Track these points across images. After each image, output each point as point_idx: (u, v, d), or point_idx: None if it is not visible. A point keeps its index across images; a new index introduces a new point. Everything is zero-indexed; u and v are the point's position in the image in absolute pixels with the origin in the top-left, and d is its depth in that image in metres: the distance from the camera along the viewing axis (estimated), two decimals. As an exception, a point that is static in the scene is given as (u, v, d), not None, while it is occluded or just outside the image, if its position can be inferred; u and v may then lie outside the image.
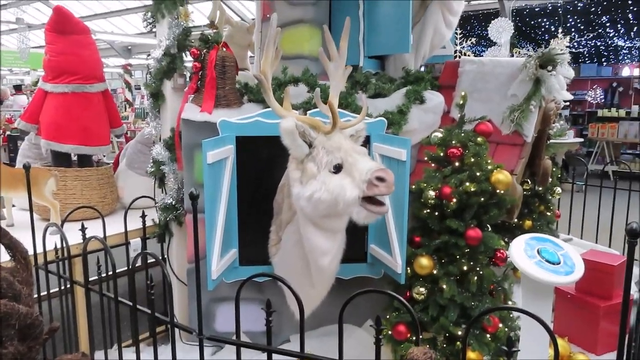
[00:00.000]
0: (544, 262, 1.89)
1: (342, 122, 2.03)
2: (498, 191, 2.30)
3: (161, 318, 1.81)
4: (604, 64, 12.84)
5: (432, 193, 2.33)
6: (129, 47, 16.38)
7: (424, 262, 2.30)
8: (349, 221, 2.49)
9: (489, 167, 2.33)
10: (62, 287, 2.36)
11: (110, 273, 2.21)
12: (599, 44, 10.57)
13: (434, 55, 3.49)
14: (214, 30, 2.96)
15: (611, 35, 9.00)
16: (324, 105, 2.05)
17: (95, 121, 3.16)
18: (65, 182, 3.03)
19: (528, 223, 3.68)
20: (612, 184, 4.46)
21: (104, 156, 3.82)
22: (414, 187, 2.41)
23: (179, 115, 2.62)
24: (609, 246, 4.21)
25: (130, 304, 1.87)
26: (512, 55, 9.10)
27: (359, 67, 3.02)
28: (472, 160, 2.34)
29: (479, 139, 2.38)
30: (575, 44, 10.39)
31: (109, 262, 1.97)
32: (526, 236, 2.00)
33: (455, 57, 9.00)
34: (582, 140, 9.57)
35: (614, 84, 12.66)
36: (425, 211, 2.39)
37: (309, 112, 2.51)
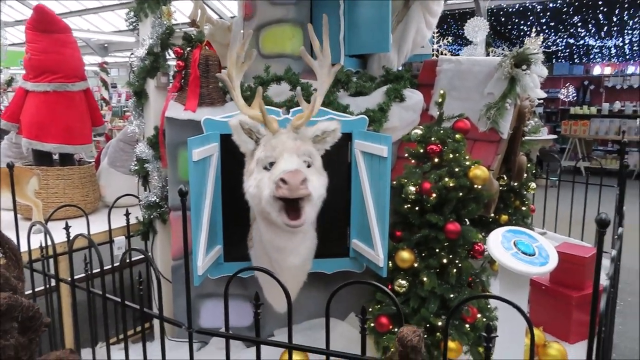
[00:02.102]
0: (520, 253, 1.99)
1: (295, 121, 2.05)
2: (476, 186, 2.39)
3: (150, 313, 1.85)
4: (576, 62, 13.19)
5: (412, 188, 2.40)
6: (105, 45, 16.11)
7: (405, 256, 2.38)
8: (331, 216, 2.58)
9: (467, 163, 2.41)
10: (48, 285, 2.36)
11: (96, 270, 2.22)
12: (571, 42, 10.84)
13: (413, 54, 3.58)
14: (196, 29, 2.99)
15: (582, 34, 9.26)
16: (306, 103, 2.11)
17: (77, 120, 3.15)
18: (47, 181, 3.02)
19: (504, 217, 3.79)
20: (584, 180, 4.63)
21: (84, 155, 3.80)
22: (394, 182, 2.49)
23: (162, 114, 2.64)
24: (582, 239, 4.38)
25: (119, 300, 1.90)
26: (488, 54, 9.30)
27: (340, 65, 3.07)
28: (451, 156, 2.42)
29: (457, 136, 2.46)
30: (548, 43, 10.65)
31: (95, 260, 1.99)
32: (503, 229, 2.09)
33: (433, 55, 9.17)
34: (555, 137, 9.83)
35: (586, 82, 13.02)
36: (406, 206, 2.46)
37: (292, 110, 2.56)
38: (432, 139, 2.44)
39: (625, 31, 8.63)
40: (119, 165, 3.39)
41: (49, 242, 2.17)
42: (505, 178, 3.75)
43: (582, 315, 2.78)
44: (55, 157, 3.27)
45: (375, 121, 2.62)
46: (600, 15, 7.97)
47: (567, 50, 11.90)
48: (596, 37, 9.39)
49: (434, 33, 9.26)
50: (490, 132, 2.83)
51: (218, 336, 1.96)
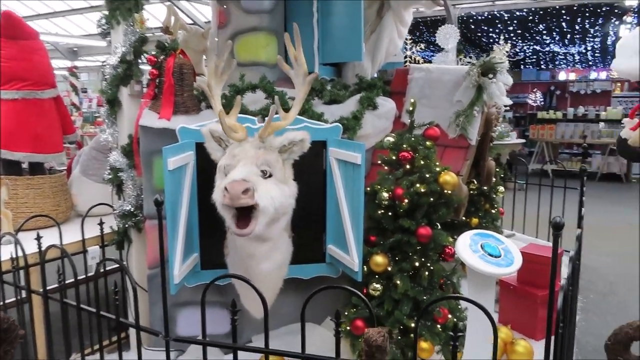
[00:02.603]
0: (486, 255, 2.07)
1: (261, 130, 2.08)
2: (446, 191, 2.47)
3: (126, 322, 1.85)
4: (543, 68, 13.64)
5: (385, 194, 2.47)
6: (75, 49, 15.82)
7: (379, 260, 2.44)
8: (307, 223, 2.62)
9: (437, 169, 2.49)
10: (19, 297, 2.32)
11: (70, 281, 2.20)
12: (537, 49, 11.21)
13: (386, 63, 3.66)
14: (170, 36, 2.99)
15: (548, 42, 9.59)
16: (284, 112, 2.15)
17: (47, 128, 3.11)
18: (16, 191, 2.97)
19: (475, 220, 3.91)
20: (550, 182, 4.80)
21: (55, 164, 3.74)
22: (368, 189, 2.55)
23: (136, 122, 2.63)
24: (548, 240, 4.53)
25: (94, 310, 1.89)
26: (459, 61, 9.53)
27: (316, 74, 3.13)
28: (422, 163, 2.50)
29: (428, 143, 2.54)
30: (516, 50, 10.99)
31: (68, 270, 1.98)
32: (471, 232, 2.17)
33: (406, 62, 9.33)
34: (524, 141, 10.13)
35: (552, 88, 13.47)
36: (379, 212, 2.52)
37: (266, 118, 2.59)
38: (404, 146, 2.51)
39: (587, 39, 8.99)
40: (92, 174, 3.35)
41: (20, 253, 2.14)
42: (475, 182, 3.87)
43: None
44: (25, 166, 3.21)
45: (350, 129, 2.68)
46: (563, 24, 8.28)
47: (534, 57, 12.31)
48: (560, 45, 9.75)
49: (407, 40, 9.44)
50: (459, 139, 2.93)
51: (195, 343, 1.97)
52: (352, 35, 3.00)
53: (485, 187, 3.94)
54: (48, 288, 2.11)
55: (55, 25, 14.32)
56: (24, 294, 2.31)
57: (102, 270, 2.95)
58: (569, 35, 8.99)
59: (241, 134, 2.06)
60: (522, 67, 13.73)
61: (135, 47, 2.69)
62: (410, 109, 2.54)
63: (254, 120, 2.51)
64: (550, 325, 1.36)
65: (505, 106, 3.56)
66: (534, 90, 13.42)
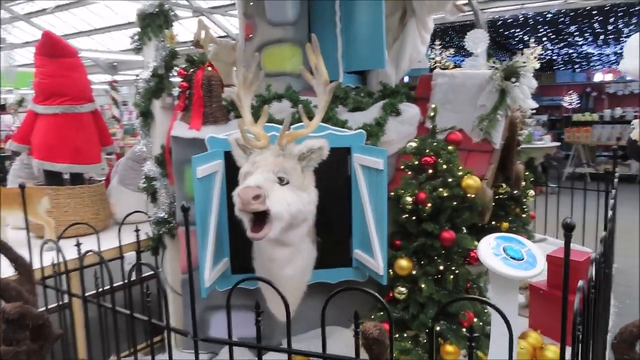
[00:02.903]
0: (508, 258, 2.06)
1: (280, 138, 2.15)
2: (469, 195, 2.48)
3: (158, 323, 1.94)
4: (578, 70, 13.29)
5: (409, 199, 2.49)
6: (114, 64, 16.43)
7: (404, 264, 2.46)
8: (333, 228, 2.67)
9: (460, 173, 2.50)
10: (60, 302, 2.46)
11: (108, 287, 2.32)
12: (570, 51, 10.95)
13: (412, 69, 3.69)
14: (200, 50, 3.12)
15: (580, 43, 9.37)
16: (307, 120, 2.22)
17: (86, 140, 3.28)
18: (58, 200, 3.14)
19: (505, 225, 3.86)
20: (584, 186, 4.69)
21: (95, 174, 3.93)
22: (392, 193, 2.58)
23: (168, 133, 2.76)
24: (582, 244, 4.43)
25: (128, 312, 1.99)
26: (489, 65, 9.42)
27: (339, 82, 3.19)
28: (445, 167, 2.51)
29: (450, 148, 2.56)
30: (549, 51, 10.77)
31: (105, 275, 2.09)
32: (493, 235, 2.17)
33: (435, 67, 9.32)
34: (558, 144, 9.89)
35: (588, 89, 13.09)
36: (403, 216, 2.55)
37: (292, 126, 2.67)
38: (426, 151, 2.54)
39: (622, 39, 8.73)
40: (129, 183, 3.51)
41: (61, 259, 2.27)
42: (504, 186, 3.84)
43: (578, 317, 2.83)
44: (66, 176, 3.40)
45: (373, 135, 2.72)
46: (595, 25, 8.09)
47: (568, 58, 12.02)
48: (594, 46, 9.50)
49: (436, 45, 9.40)
50: (483, 143, 2.92)
51: (221, 343, 2.05)
52: (374, 43, 3.06)
53: (515, 191, 3.90)
54: (88, 293, 2.24)
55: (95, 42, 14.96)
56: (65, 298, 2.45)
57: (137, 275, 3.07)
58: (602, 36, 8.76)
59: (263, 141, 2.14)
60: (555, 69, 13.42)
61: (166, 61, 2.82)
62: (432, 114, 2.56)
63: (279, 128, 2.59)
64: (565, 328, 1.36)
65: (532, 109, 3.53)
66: (570, 92, 13.08)
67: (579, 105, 12.84)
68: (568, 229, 1.34)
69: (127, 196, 3.45)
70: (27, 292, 1.30)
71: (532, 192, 4.04)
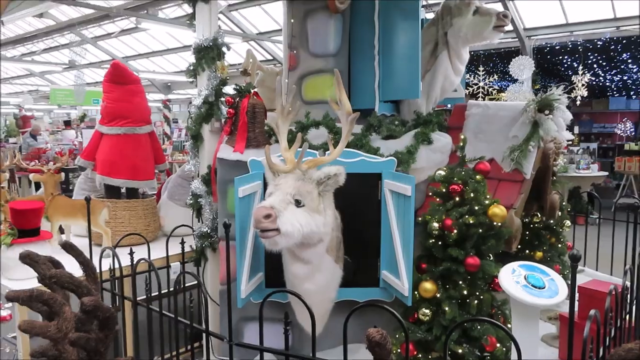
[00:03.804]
0: (529, 286, 2.15)
1: (302, 164, 2.35)
2: (495, 224, 2.57)
3: (198, 327, 2.15)
4: (633, 97, 12.85)
5: (436, 224, 2.61)
6: (169, 84, 17.36)
7: (428, 286, 2.57)
8: (363, 249, 2.83)
9: (487, 201, 2.60)
10: (114, 304, 2.73)
11: (155, 294, 2.57)
12: (625, 78, 10.66)
13: (446, 98, 3.82)
14: (247, 77, 3.39)
15: (635, 70, 9.12)
16: (333, 147, 2.41)
17: (142, 159, 3.61)
18: (115, 212, 3.46)
19: (539, 254, 3.87)
20: (626, 218, 4.58)
21: (147, 189, 4.26)
22: (420, 219, 2.71)
23: (215, 155, 3.02)
24: (611, 274, 4.33)
25: (172, 316, 2.22)
26: (535, 91, 9.32)
27: (374, 110, 3.37)
28: (472, 195, 2.62)
29: (478, 177, 2.67)
30: (601, 78, 10.53)
31: (154, 282, 2.33)
32: (515, 263, 2.27)
33: (479, 92, 9.26)
34: (606, 173, 9.58)
35: (644, 117, 12.62)
36: (430, 240, 2.67)
37: (327, 152, 2.86)
38: (454, 179, 2.66)
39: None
40: (177, 199, 3.80)
41: (117, 265, 2.54)
42: (540, 215, 3.86)
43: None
44: (123, 190, 3.73)
45: (404, 162, 2.87)
46: (649, 52, 7.91)
47: (622, 85, 11.68)
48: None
49: (480, 71, 9.40)
50: (514, 173, 3.01)
51: (252, 348, 2.22)
52: (410, 74, 3.22)
53: (551, 221, 3.91)
54: (138, 298, 2.49)
55: (152, 63, 15.90)
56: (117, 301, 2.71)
57: (182, 284, 3.32)
58: (657, 64, 8.53)
59: (289, 166, 2.34)
60: (609, 95, 13.03)
61: (216, 90, 3.10)
62: (461, 144, 2.69)
63: (315, 154, 2.79)
64: (571, 353, 1.45)
65: (568, 140, 3.57)
66: (624, 119, 12.66)
67: (633, 133, 12.39)
68: (574, 260, 1.44)
69: (175, 210, 3.73)
70: (94, 290, 1.54)
71: (568, 223, 4.03)
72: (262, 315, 1.95)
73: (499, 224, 2.59)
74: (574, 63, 9.03)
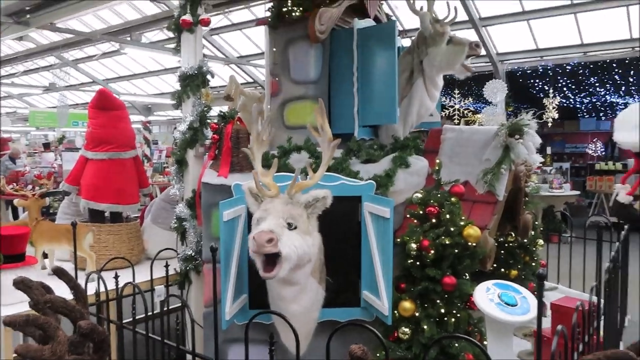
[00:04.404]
0: (503, 304, 2.26)
1: (289, 188, 2.44)
2: (470, 244, 2.69)
3: (183, 349, 2.20)
4: (603, 118, 13.35)
5: (413, 245, 2.72)
6: (149, 106, 17.36)
7: (407, 306, 2.67)
8: (344, 270, 2.91)
9: (462, 223, 2.73)
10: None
11: (140, 316, 2.61)
12: (594, 100, 11.10)
13: (423, 122, 3.98)
14: (231, 102, 3.49)
15: (602, 93, 9.53)
16: (312, 172, 2.51)
17: (127, 183, 3.66)
18: (100, 236, 3.49)
19: (514, 272, 4.01)
20: (597, 236, 4.77)
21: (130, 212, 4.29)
22: (399, 240, 2.82)
23: (199, 179, 3.09)
24: (583, 291, 4.51)
25: (159, 338, 2.26)
26: (508, 114, 9.64)
27: (354, 135, 3.49)
28: (447, 217, 2.74)
29: (453, 199, 2.80)
30: (571, 100, 10.95)
31: (141, 304, 2.38)
32: (489, 282, 2.38)
33: (455, 115, 9.54)
34: (578, 193, 9.89)
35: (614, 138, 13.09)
36: (409, 261, 2.77)
37: (308, 176, 2.96)
38: (431, 201, 2.79)
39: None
40: (161, 222, 3.84)
41: (102, 289, 2.58)
42: (513, 235, 4.01)
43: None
44: (107, 214, 3.76)
45: (382, 185, 2.99)
46: (616, 77, 8.29)
47: (592, 107, 12.14)
48: (616, 96, 9.64)
49: (456, 94, 9.70)
50: (487, 194, 3.14)
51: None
52: (387, 100, 3.36)
53: (525, 240, 4.07)
54: (124, 321, 2.53)
55: (133, 86, 15.92)
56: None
57: (166, 306, 3.35)
58: (623, 87, 8.93)
59: (273, 191, 2.44)
60: (580, 116, 13.52)
61: (201, 116, 3.19)
62: (436, 169, 2.82)
63: (291, 177, 2.89)
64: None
65: (540, 163, 3.74)
66: (594, 140, 13.12)
67: (603, 153, 12.83)
68: (540, 278, 1.56)
69: (159, 234, 3.77)
70: (86, 314, 1.60)
71: (541, 242, 4.19)
72: (247, 337, 2.02)
73: (474, 244, 2.71)
74: (545, 86, 9.40)
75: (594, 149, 12.97)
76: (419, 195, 2.86)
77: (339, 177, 2.92)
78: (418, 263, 2.74)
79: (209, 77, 3.24)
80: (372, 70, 3.46)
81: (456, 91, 8.94)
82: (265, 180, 2.43)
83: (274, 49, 3.47)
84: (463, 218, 2.79)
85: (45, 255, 3.53)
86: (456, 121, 8.62)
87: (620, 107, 11.94)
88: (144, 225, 3.97)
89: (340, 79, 3.60)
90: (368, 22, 3.68)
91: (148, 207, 4.14)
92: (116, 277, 2.84)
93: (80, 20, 10.54)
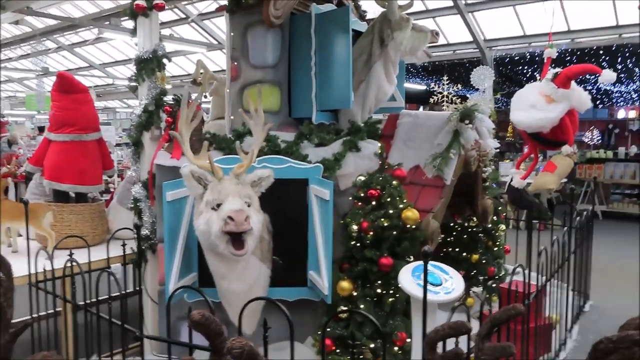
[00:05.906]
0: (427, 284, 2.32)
1: (236, 169, 2.51)
2: (408, 226, 2.75)
3: (130, 329, 2.27)
4: (599, 106, 13.21)
5: (355, 227, 2.79)
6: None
7: (345, 285, 2.74)
8: (292, 250, 2.99)
9: (401, 205, 2.79)
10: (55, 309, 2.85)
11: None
12: (589, 88, 10.99)
13: (385, 107, 4.01)
14: (199, 87, 3.55)
15: (593, 81, 9.45)
16: (244, 154, 2.57)
17: (89, 164, 3.73)
18: (62, 216, 3.57)
19: (475, 257, 4.08)
20: (569, 222, 4.79)
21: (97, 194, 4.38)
22: (342, 221, 2.88)
23: (152, 161, 3.16)
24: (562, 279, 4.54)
25: (107, 317, 2.34)
26: (496, 100, 9.59)
27: (306, 119, 3.53)
28: (388, 200, 2.80)
29: (395, 182, 2.85)
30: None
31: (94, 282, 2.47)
32: (416, 263, 2.44)
33: (440, 100, 9.49)
34: (565, 180, 9.84)
35: (610, 126, 13.00)
36: (351, 242, 2.84)
37: (258, 158, 3.02)
38: (373, 184, 2.84)
39: (635, 78, 8.79)
40: (126, 202, 3.92)
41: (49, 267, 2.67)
42: (475, 220, 4.06)
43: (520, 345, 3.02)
44: (72, 194, 3.85)
45: (330, 168, 3.04)
46: (604, 64, 8.22)
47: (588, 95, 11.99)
48: (608, 84, 9.54)
49: (444, 80, 9.66)
50: (435, 179, 3.19)
51: (181, 345, 2.33)
52: (342, 85, 3.40)
53: (489, 225, 4.12)
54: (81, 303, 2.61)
55: (130, 70, 15.98)
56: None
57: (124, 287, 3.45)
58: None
59: (221, 172, 2.51)
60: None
61: (156, 99, 3.25)
62: (379, 152, 2.87)
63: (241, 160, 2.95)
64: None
65: (496, 148, 3.77)
66: (591, 128, 13.01)
67: (600, 141, 12.73)
68: (425, 255, 1.62)
69: (123, 214, 3.85)
70: (5, 289, 1.67)
71: (502, 227, 4.24)
72: (190, 313, 2.08)
73: (413, 226, 2.77)
74: (535, 73, 9.33)
75: (590, 137, 12.86)
76: (362, 178, 2.91)
77: (287, 160, 2.98)
78: (359, 244, 2.81)
79: (165, 61, 3.28)
80: (328, 56, 3.50)
81: (445, 77, 8.92)
82: (199, 163, 2.49)
83: (232, 34, 3.50)
84: (405, 201, 2.85)
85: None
86: (444, 108, 8.60)
87: (617, 94, 11.84)
88: (110, 206, 4.06)
89: (299, 64, 3.64)
90: (329, 7, 3.70)
91: (117, 187, 4.22)
92: (71, 254, 2.92)
93: (59, 8, 10.60)
